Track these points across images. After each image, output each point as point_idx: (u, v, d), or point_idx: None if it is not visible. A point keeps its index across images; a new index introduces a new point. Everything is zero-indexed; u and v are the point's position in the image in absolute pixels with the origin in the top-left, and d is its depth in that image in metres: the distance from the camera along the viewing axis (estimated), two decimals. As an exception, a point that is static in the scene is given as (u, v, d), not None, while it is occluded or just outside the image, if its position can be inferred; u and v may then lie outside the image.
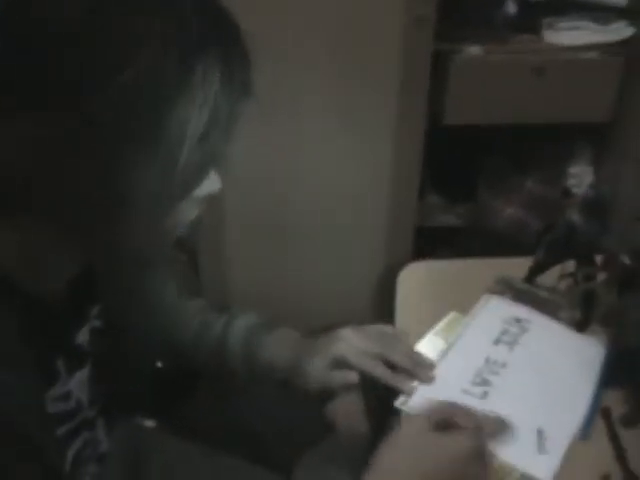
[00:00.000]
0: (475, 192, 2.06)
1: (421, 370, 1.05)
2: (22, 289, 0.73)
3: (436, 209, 2.15)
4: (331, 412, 1.13)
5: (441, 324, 1.19)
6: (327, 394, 1.09)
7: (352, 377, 1.04)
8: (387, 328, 1.12)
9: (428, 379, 1.05)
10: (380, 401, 1.10)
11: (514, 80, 1.77)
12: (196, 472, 1.09)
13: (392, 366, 1.05)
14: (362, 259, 1.91)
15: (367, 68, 1.67)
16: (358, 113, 1.72)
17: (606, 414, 1.07)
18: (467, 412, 0.87)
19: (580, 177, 1.79)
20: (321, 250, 1.86)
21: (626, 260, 1.09)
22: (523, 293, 1.25)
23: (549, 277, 1.26)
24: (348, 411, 1.13)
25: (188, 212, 0.77)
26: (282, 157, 1.73)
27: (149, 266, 1.02)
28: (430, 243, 1.94)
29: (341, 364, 1.04)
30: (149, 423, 1.22)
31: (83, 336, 0.87)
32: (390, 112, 1.75)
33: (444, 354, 1.13)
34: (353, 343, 1.04)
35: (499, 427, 0.89)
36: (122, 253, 0.78)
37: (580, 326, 1.19)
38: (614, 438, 1.03)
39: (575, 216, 1.16)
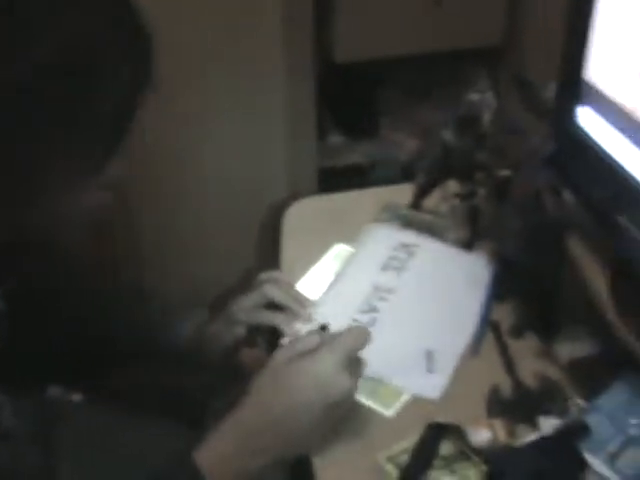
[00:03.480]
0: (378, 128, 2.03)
1: (301, 309, 1.04)
2: None
3: (338, 149, 2.12)
4: (242, 359, 1.13)
5: (327, 257, 1.17)
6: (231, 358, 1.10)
7: (239, 331, 1.06)
8: (266, 274, 1.10)
9: (308, 319, 1.03)
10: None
11: (404, 8, 1.73)
12: (112, 443, 1.08)
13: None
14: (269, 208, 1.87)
15: (248, 12, 1.61)
16: (245, 63, 1.67)
17: (495, 328, 1.07)
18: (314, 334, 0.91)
19: (480, 103, 1.78)
20: (222, 199, 1.81)
21: (500, 172, 1.08)
22: (409, 219, 1.24)
23: (437, 200, 1.25)
24: (257, 357, 1.12)
25: (98, 197, 0.79)
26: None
27: (59, 250, 1.02)
28: (337, 183, 1.91)
29: (235, 324, 1.06)
30: (76, 397, 1.19)
31: None
32: (277, 54, 1.70)
33: (331, 286, 1.11)
34: (241, 302, 1.06)
35: (359, 336, 0.89)
36: (31, 234, 0.79)
37: (467, 244, 1.19)
38: (503, 350, 1.04)
39: (449, 135, 1.14)
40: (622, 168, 0.91)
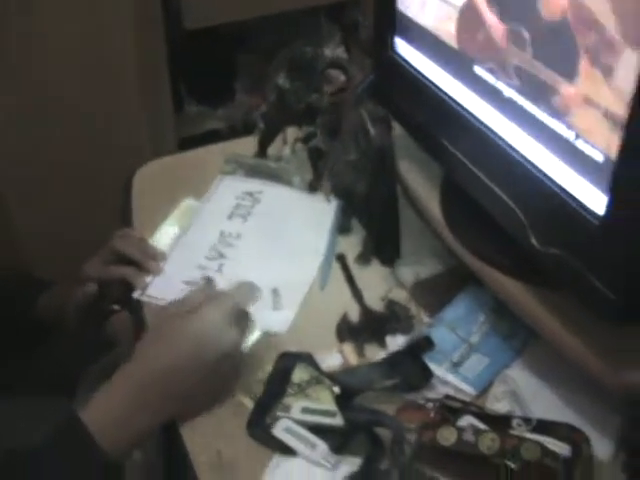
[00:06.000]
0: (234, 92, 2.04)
1: (150, 261, 1.05)
2: None
3: (197, 117, 2.12)
4: (111, 327, 1.13)
5: (175, 212, 1.17)
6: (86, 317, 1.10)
7: (90, 288, 1.06)
8: (118, 231, 1.11)
9: (157, 270, 1.04)
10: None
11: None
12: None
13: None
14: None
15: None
16: (94, 39, 1.65)
17: (342, 259, 1.10)
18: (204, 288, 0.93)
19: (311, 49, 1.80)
20: (83, 176, 1.78)
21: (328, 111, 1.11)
22: (254, 168, 1.25)
23: (281, 146, 1.27)
24: (126, 323, 1.12)
25: None
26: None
27: None
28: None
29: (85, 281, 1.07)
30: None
31: None
32: (127, 29, 1.68)
33: (179, 238, 1.12)
34: (93, 260, 1.07)
35: (246, 290, 0.92)
36: None
37: (311, 185, 1.21)
38: (350, 280, 1.07)
39: (282, 80, 1.16)
40: (437, 92, 0.95)
